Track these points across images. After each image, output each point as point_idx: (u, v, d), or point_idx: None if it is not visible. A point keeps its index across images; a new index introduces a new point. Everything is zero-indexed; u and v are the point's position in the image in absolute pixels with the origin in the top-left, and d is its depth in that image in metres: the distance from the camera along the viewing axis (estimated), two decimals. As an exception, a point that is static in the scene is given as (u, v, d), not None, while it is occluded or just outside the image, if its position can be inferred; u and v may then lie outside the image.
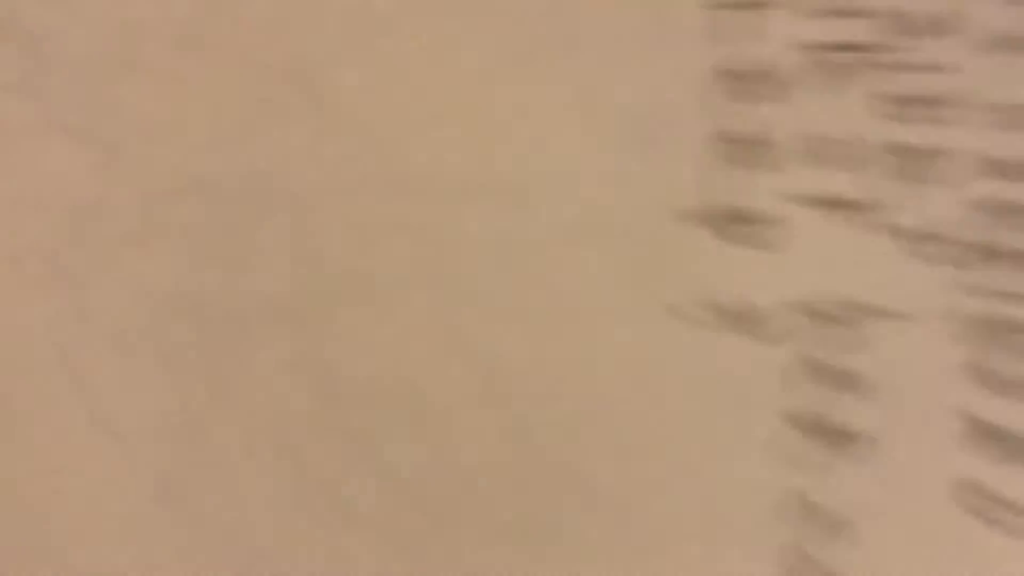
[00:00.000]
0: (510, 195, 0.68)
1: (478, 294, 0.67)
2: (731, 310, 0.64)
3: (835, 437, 0.62)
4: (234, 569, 0.65)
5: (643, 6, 0.67)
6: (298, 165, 0.67)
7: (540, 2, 0.68)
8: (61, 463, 0.65)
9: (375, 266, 0.67)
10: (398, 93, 0.68)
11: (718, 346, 0.63)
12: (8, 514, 0.64)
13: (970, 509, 0.59)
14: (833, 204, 0.64)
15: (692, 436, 0.64)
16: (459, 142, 0.68)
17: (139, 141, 0.68)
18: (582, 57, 0.68)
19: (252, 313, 0.67)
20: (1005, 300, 0.60)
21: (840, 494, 0.61)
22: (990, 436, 0.59)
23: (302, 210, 0.67)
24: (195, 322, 0.66)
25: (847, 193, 0.65)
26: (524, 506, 0.65)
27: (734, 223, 0.65)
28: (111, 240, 0.66)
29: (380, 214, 0.67)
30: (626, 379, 0.65)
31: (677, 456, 0.64)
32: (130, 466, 0.65)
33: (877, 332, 0.61)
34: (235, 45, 0.69)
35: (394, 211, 0.67)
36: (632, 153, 0.67)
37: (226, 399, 0.66)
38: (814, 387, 0.62)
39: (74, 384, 0.65)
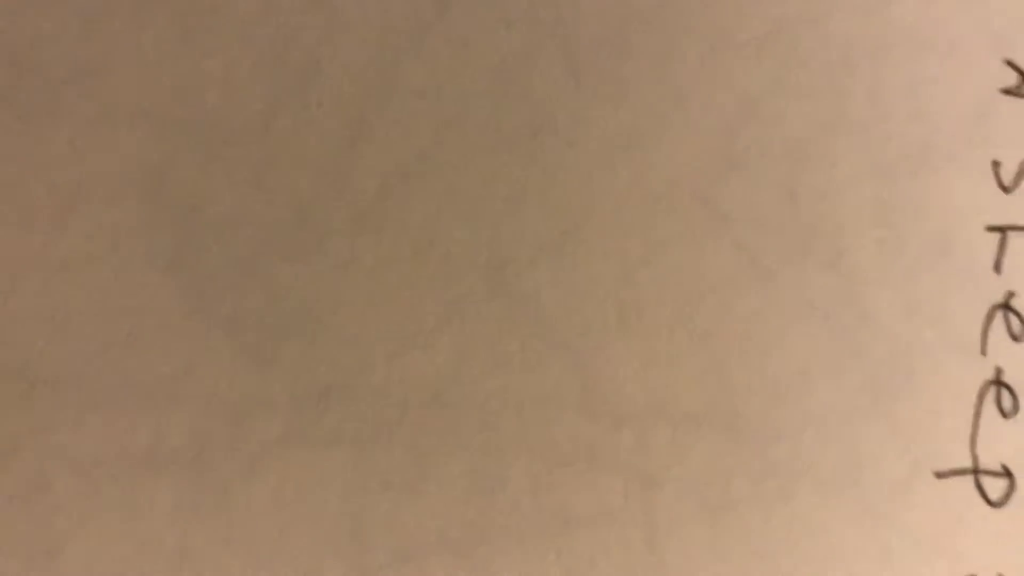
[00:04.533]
0: (729, 427, 0.57)
1: (691, 544, 0.57)
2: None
3: None
4: None
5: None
6: (486, 372, 0.57)
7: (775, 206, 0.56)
8: None
9: (566, 501, 0.57)
10: (601, 302, 0.57)
11: None
12: None
13: None
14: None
15: None
16: (668, 361, 0.57)
17: (301, 334, 0.57)
18: (832, 270, 0.57)
19: (419, 548, 0.57)
20: None
21: None
22: None
23: (487, 429, 0.57)
24: (350, 555, 0.57)
25: None
26: None
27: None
28: (261, 444, 0.56)
29: (573, 440, 0.56)
30: None
31: None
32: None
33: None
34: (420, 229, 0.57)
35: (587, 437, 0.57)
36: (884, 399, 0.57)
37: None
38: None
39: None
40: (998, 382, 0.59)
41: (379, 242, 0.57)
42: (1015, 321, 0.59)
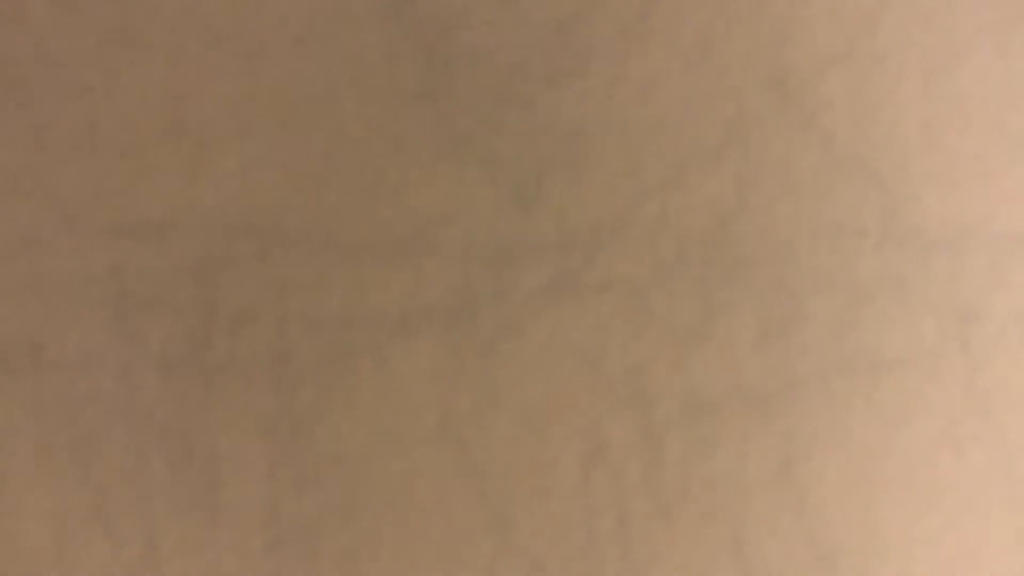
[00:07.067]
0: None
1: (1012, 382, 0.50)
2: None
3: None
4: None
5: None
6: (775, 199, 0.50)
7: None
8: None
9: (879, 344, 0.50)
10: (902, 111, 0.50)
11: None
12: None
13: None
14: None
15: None
16: (987, 179, 0.50)
17: (566, 166, 0.50)
18: None
19: (711, 402, 0.50)
20: None
21: None
22: None
23: (778, 263, 0.50)
24: (635, 412, 0.50)
25: None
26: None
27: None
28: (528, 293, 0.50)
29: (877, 271, 0.50)
30: None
31: None
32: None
33: None
34: (696, 37, 0.50)
35: (893, 266, 0.50)
36: None
37: (676, 514, 0.50)
38: None
39: (467, 480, 0.50)
40: None
41: (647, 58, 0.50)
42: None
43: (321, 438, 0.50)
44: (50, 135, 0.50)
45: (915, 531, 0.50)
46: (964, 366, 0.50)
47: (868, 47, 0.50)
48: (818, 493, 0.50)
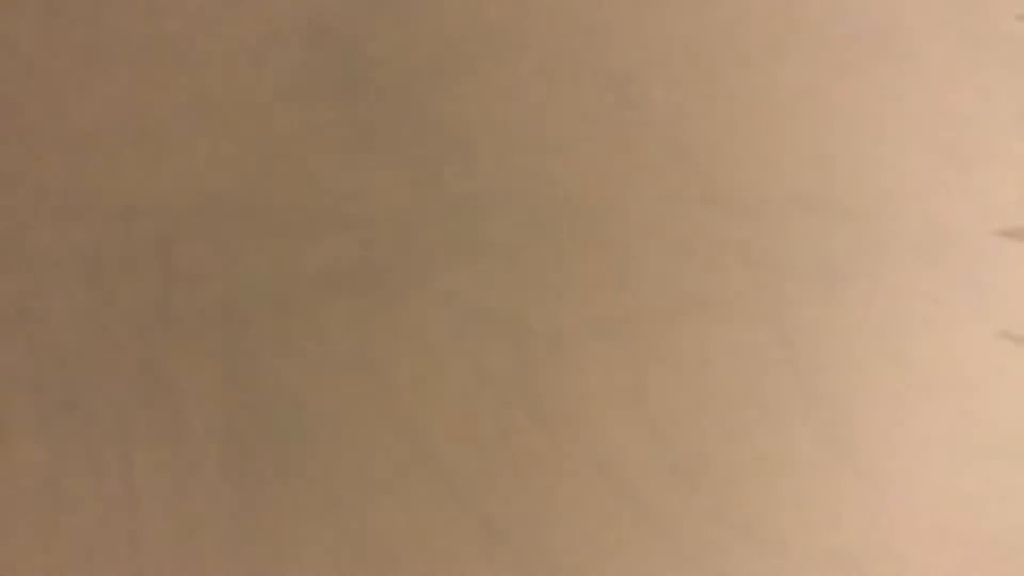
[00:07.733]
0: (835, 211, 0.64)
1: (804, 317, 0.64)
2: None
3: None
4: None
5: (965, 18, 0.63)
6: (616, 175, 0.64)
7: (856, 12, 0.64)
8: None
9: (702, 288, 0.64)
10: (712, 104, 0.64)
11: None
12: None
13: None
14: None
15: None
16: (779, 155, 0.64)
17: (449, 153, 0.64)
18: (909, 68, 0.64)
19: (574, 336, 0.64)
20: None
21: None
22: None
23: (620, 225, 0.64)
24: (514, 346, 0.64)
25: None
26: None
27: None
28: (424, 254, 0.63)
29: (697, 230, 0.63)
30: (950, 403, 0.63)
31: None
32: (449, 496, 0.63)
33: None
34: (553, 50, 0.64)
35: (711, 227, 0.64)
36: (961, 169, 0.64)
37: (549, 427, 0.64)
38: None
39: (382, 404, 0.63)
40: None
41: (513, 68, 0.64)
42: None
43: (265, 377, 0.62)
44: (36, 139, 0.63)
45: (740, 441, 0.63)
46: (771, 304, 0.64)
47: (686, 54, 0.64)
48: (665, 410, 0.64)
